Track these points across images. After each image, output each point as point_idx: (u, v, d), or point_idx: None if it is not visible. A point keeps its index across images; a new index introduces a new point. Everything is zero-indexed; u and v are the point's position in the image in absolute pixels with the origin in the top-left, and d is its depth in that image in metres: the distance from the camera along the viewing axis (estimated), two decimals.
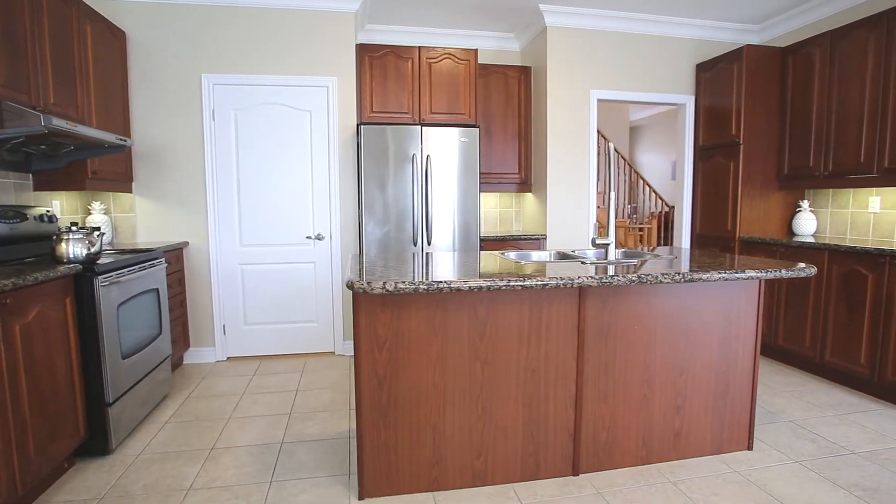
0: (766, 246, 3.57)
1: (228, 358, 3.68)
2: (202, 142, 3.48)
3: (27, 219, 2.49)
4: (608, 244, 2.15)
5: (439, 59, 3.76)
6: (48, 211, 2.67)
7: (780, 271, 1.89)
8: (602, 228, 6.96)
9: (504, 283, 1.64)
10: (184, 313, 3.47)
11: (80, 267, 2.16)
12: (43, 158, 2.72)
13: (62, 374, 2.04)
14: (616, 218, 7.00)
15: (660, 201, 7.50)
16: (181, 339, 3.39)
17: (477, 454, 1.99)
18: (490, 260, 2.25)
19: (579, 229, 4.14)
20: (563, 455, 2.08)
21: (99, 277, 2.19)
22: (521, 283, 1.66)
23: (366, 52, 3.67)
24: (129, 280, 2.45)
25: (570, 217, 4.10)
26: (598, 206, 6.51)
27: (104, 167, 3.01)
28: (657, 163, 8.53)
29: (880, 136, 3.03)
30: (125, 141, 2.74)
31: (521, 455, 2.03)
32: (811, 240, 3.31)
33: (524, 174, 4.26)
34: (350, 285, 1.59)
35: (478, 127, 3.70)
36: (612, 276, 1.73)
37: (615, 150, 7.41)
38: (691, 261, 2.22)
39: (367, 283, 1.58)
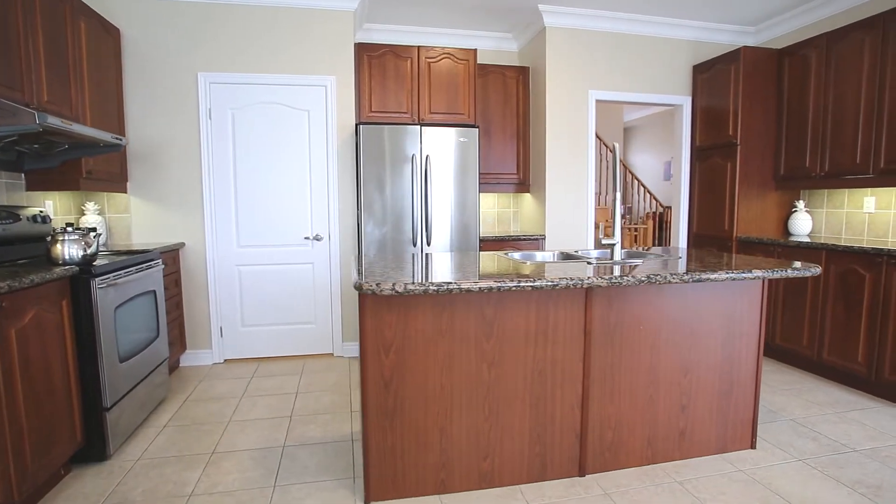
0: (763, 246, 3.60)
1: (226, 360, 3.63)
2: (198, 141, 3.43)
3: (20, 219, 2.43)
4: (614, 244, 2.15)
5: (438, 58, 3.74)
6: (41, 211, 2.61)
7: (786, 271, 1.90)
8: (608, 228, 6.99)
9: (514, 283, 1.63)
10: (180, 315, 3.42)
11: (77, 269, 2.11)
12: (36, 157, 2.65)
13: (58, 379, 1.99)
14: (611, 218, 7.03)
15: (654, 202, 7.55)
16: (178, 342, 3.34)
17: (484, 456, 1.98)
18: (494, 260, 2.24)
19: (578, 229, 4.14)
20: (569, 456, 2.07)
21: (96, 279, 2.14)
22: (532, 284, 1.65)
23: (364, 52, 3.64)
24: (126, 282, 2.41)
25: (568, 217, 4.10)
26: (597, 207, 6.53)
27: (99, 167, 2.95)
28: (651, 163, 8.59)
29: (876, 136, 3.06)
30: (120, 140, 2.68)
31: (527, 456, 2.02)
32: (807, 240, 3.35)
33: (522, 174, 4.26)
34: (358, 287, 1.57)
35: (477, 127, 3.68)
36: (622, 277, 1.72)
37: (612, 150, 7.46)
38: (695, 261, 2.22)
39: (376, 284, 1.56)
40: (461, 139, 3.62)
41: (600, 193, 7.23)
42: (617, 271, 1.84)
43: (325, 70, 3.55)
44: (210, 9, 3.36)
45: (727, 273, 1.83)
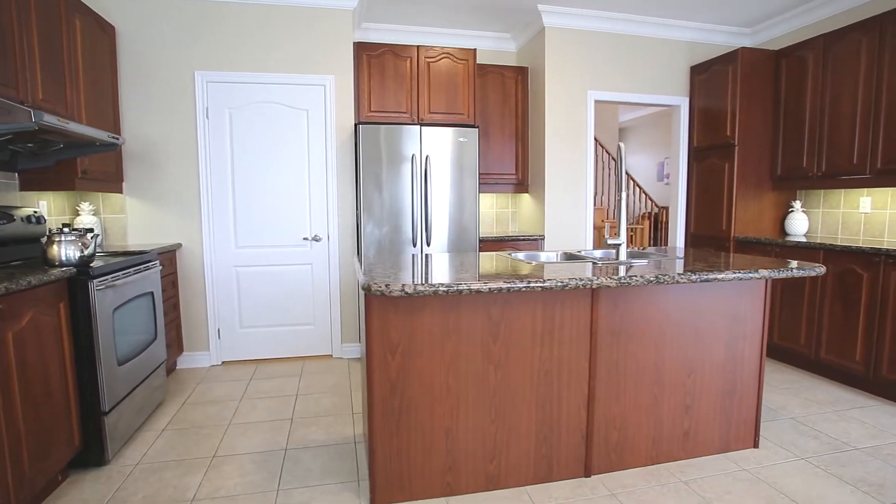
0: (761, 246, 3.62)
1: (223, 362, 3.59)
2: (195, 140, 3.38)
3: (14, 220, 2.38)
4: (619, 244, 2.15)
5: (438, 58, 3.73)
6: (36, 212, 2.56)
7: (791, 270, 1.91)
8: (614, 228, 7.01)
9: (524, 284, 1.62)
10: (177, 317, 3.37)
11: (75, 270, 2.07)
12: (30, 157, 2.60)
13: (56, 382, 1.95)
14: (607, 219, 7.06)
15: (649, 202, 7.59)
16: (175, 344, 3.29)
17: (490, 458, 1.96)
18: (499, 261, 2.23)
19: (577, 230, 4.14)
20: (575, 456, 2.06)
21: (94, 281, 2.10)
22: (542, 285, 1.64)
23: (363, 51, 3.61)
24: (124, 284, 2.36)
25: (567, 217, 4.11)
26: (595, 207, 6.56)
27: (94, 166, 2.90)
28: (644, 164, 8.63)
29: (873, 137, 3.09)
30: (117, 139, 2.64)
31: (533, 457, 2.01)
32: (803, 239, 3.37)
33: (521, 175, 4.26)
34: (367, 288, 1.55)
35: (477, 127, 3.67)
36: (631, 277, 1.72)
37: (607, 150, 7.45)
38: (699, 261, 2.22)
39: (386, 285, 1.54)
40: (461, 139, 3.61)
41: (597, 194, 7.26)
42: (625, 271, 1.84)
43: (324, 69, 3.52)
44: (207, 6, 3.32)
45: (734, 273, 1.83)
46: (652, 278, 1.74)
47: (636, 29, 4.07)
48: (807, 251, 3.26)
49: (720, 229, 3.97)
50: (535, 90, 4.13)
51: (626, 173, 7.70)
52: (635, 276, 1.74)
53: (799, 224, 3.78)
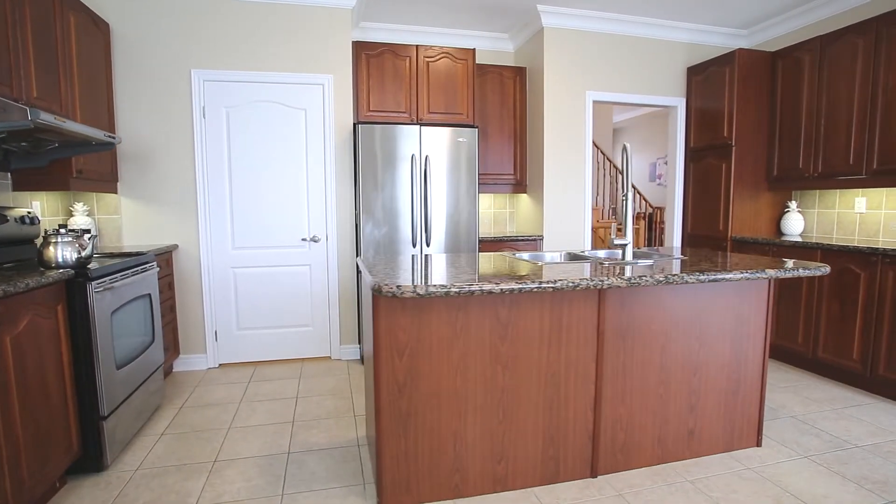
0: (758, 245, 3.65)
1: (220, 365, 3.54)
2: (192, 140, 3.33)
3: (7, 221, 2.33)
4: (626, 244, 2.15)
5: (437, 57, 3.71)
6: (29, 212, 2.51)
7: (797, 270, 1.92)
8: (620, 228, 7.03)
9: (536, 284, 1.61)
10: (174, 319, 3.32)
11: (72, 272, 2.02)
12: (23, 156, 2.54)
13: (54, 387, 1.90)
14: (602, 219, 7.09)
15: (644, 202, 7.63)
16: (171, 346, 3.24)
17: (498, 459, 1.95)
18: (504, 261, 2.22)
19: (576, 230, 4.15)
20: (582, 457, 2.06)
21: (92, 283, 2.06)
22: (553, 285, 1.63)
23: (362, 50, 3.59)
24: (122, 285, 2.32)
25: (566, 218, 4.11)
26: (593, 208, 6.57)
27: (89, 166, 2.84)
28: (637, 165, 8.69)
29: (869, 138, 3.13)
30: (113, 138, 2.59)
31: (541, 459, 2.00)
32: (800, 239, 3.41)
33: (519, 175, 4.25)
34: (378, 289, 1.53)
35: (476, 127, 3.66)
36: (640, 277, 1.71)
37: (602, 151, 7.46)
38: (702, 260, 2.23)
39: (397, 286, 1.52)
40: (460, 139, 3.59)
41: (595, 195, 7.29)
42: (633, 271, 1.84)
43: (323, 68, 3.49)
44: (203, 4, 3.28)
45: (742, 273, 1.84)
46: (662, 278, 1.74)
47: (634, 30, 4.09)
48: (804, 251, 3.29)
49: (717, 229, 4.00)
50: (534, 90, 4.13)
51: (621, 173, 7.74)
52: (645, 276, 1.74)
53: (795, 224, 3.82)
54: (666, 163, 7.90)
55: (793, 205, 3.86)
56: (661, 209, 7.27)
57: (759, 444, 2.32)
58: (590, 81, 4.06)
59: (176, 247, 3.35)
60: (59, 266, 2.06)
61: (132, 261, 2.49)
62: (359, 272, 3.61)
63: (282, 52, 3.41)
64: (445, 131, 3.56)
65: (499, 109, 4.15)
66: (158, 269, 2.82)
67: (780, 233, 3.94)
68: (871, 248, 2.86)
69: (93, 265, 2.18)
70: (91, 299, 2.05)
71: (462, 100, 3.79)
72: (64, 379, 1.97)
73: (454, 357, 1.85)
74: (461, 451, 1.91)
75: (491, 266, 2.05)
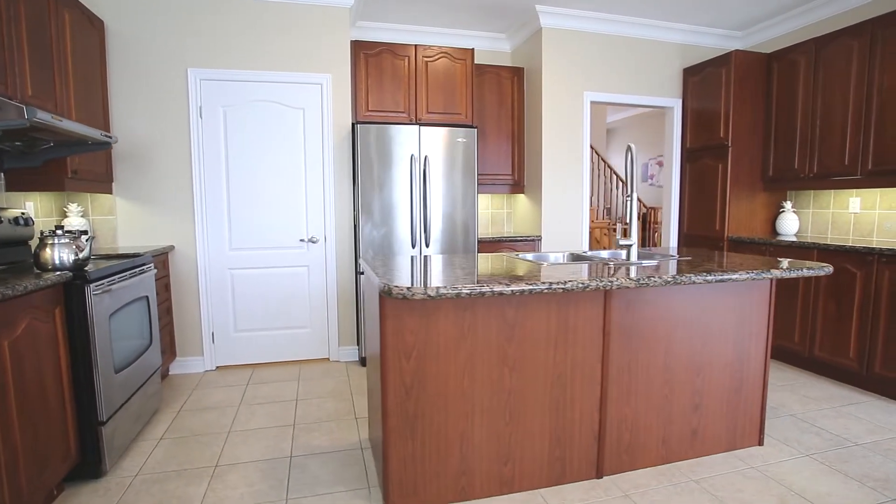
0: (755, 245, 3.69)
1: (218, 367, 3.50)
2: (188, 140, 3.29)
3: (1, 222, 2.27)
4: (631, 245, 2.15)
5: (436, 57, 3.70)
6: (24, 213, 2.45)
7: (801, 270, 1.93)
8: (602, 230, 7.07)
9: (546, 286, 1.60)
10: (170, 321, 3.27)
11: (70, 274, 1.98)
12: (17, 156, 2.49)
13: (52, 392, 1.86)
14: (596, 220, 7.12)
15: (638, 202, 7.68)
16: (168, 349, 3.19)
17: (504, 461, 1.94)
18: (507, 262, 2.21)
19: (573, 230, 4.16)
20: (587, 458, 2.06)
21: (91, 285, 2.02)
22: (563, 286, 1.62)
23: (361, 50, 3.56)
24: (120, 288, 2.28)
25: (564, 218, 4.12)
26: (591, 208, 6.61)
27: (84, 166, 2.79)
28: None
29: (864, 139, 3.17)
30: (110, 137, 2.54)
31: (547, 460, 2.00)
32: (795, 239, 3.44)
33: (517, 175, 4.25)
34: (388, 290, 1.51)
35: (475, 127, 3.65)
36: (648, 278, 1.71)
37: (597, 151, 7.48)
38: (705, 260, 2.24)
39: (407, 288, 1.50)
40: (459, 139, 3.58)
41: (590, 195, 7.32)
42: (641, 272, 1.84)
43: (321, 68, 3.46)
44: (200, 2, 3.23)
45: (748, 273, 1.85)
46: (669, 279, 1.74)
47: (631, 31, 4.11)
48: (800, 250, 3.33)
49: (713, 229, 4.03)
50: (532, 91, 4.13)
51: (615, 174, 7.78)
52: (653, 276, 1.74)
53: (790, 224, 3.86)
54: (658, 163, 7.96)
55: (788, 205, 3.90)
56: (655, 209, 7.32)
57: (760, 443, 2.34)
58: (587, 82, 4.07)
59: (172, 248, 3.30)
60: (56, 268, 2.01)
61: (130, 262, 2.44)
62: (358, 273, 3.58)
63: (279, 50, 3.38)
64: (444, 131, 3.55)
65: (496, 110, 4.14)
66: (155, 270, 2.77)
67: (775, 233, 3.98)
68: (868, 247, 2.90)
69: (90, 267, 2.14)
70: (89, 302, 2.01)
71: (461, 100, 3.78)
72: (62, 384, 1.93)
73: (461, 358, 1.84)
74: (468, 452, 1.90)
75: (496, 267, 2.04)
